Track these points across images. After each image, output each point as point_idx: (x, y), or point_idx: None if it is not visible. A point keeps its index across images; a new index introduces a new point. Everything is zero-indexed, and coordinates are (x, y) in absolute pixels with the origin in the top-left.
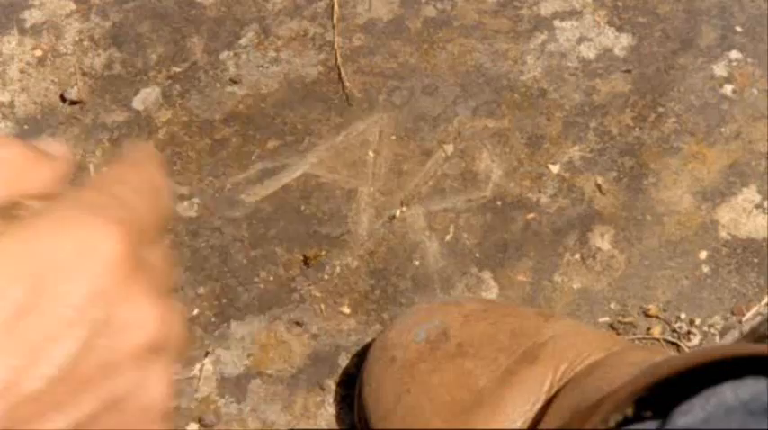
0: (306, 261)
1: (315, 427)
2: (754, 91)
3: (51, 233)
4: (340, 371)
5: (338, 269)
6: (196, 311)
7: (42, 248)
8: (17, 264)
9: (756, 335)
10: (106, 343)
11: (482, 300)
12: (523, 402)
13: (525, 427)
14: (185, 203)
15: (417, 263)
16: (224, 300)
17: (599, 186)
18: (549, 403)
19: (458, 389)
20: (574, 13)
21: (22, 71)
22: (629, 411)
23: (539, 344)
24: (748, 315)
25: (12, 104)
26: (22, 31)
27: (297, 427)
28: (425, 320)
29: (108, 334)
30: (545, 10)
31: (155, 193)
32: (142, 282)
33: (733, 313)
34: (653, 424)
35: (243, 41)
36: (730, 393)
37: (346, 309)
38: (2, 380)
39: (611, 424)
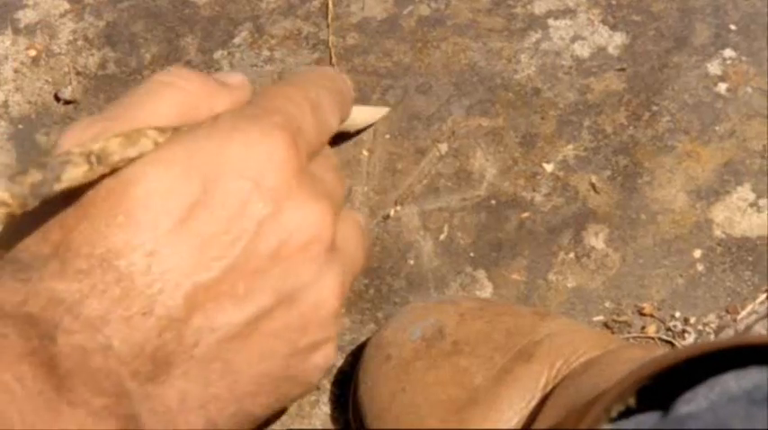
0: None
1: (309, 427)
2: (749, 89)
3: (219, 136)
4: (335, 371)
5: None
6: None
7: (211, 150)
8: (187, 165)
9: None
10: (275, 236)
11: (477, 298)
12: (519, 400)
13: (521, 425)
14: None
15: (412, 262)
16: None
17: (593, 185)
18: (544, 400)
19: (453, 388)
20: (568, 12)
21: (16, 71)
22: (632, 401)
23: (534, 342)
24: (743, 313)
25: (6, 104)
26: (16, 31)
27: (291, 427)
28: (421, 319)
29: (276, 228)
30: (539, 9)
31: (317, 110)
32: (306, 184)
33: (728, 312)
34: (655, 414)
35: (237, 40)
36: (733, 382)
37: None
38: (177, 269)
39: (614, 414)
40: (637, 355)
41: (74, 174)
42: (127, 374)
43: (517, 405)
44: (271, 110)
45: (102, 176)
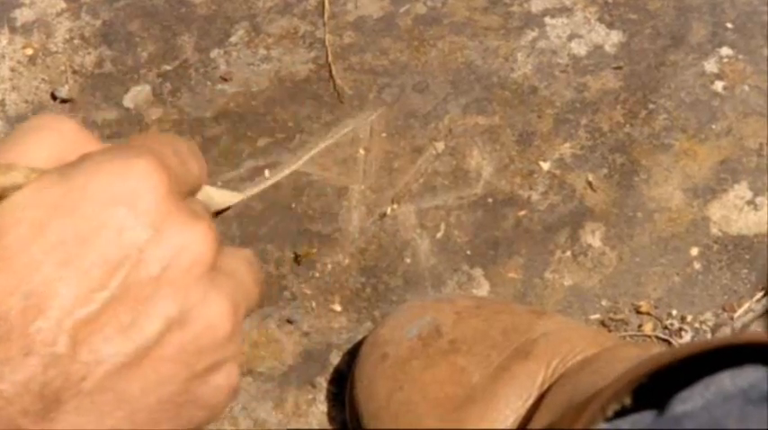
0: (297, 259)
1: (306, 426)
2: (745, 87)
3: (88, 169)
4: (331, 369)
5: (329, 267)
6: None
7: (80, 184)
8: (58, 202)
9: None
10: (157, 261)
11: (474, 297)
12: (516, 398)
13: (518, 423)
14: None
15: (408, 260)
16: None
17: (590, 183)
18: (541, 399)
19: (450, 386)
20: (564, 10)
21: (12, 70)
22: (628, 400)
23: (531, 340)
24: (740, 311)
25: (3, 103)
26: (13, 30)
27: (288, 426)
28: (417, 317)
29: (157, 252)
30: (535, 7)
31: (177, 152)
32: (182, 205)
33: (724, 310)
34: (651, 413)
35: (233, 39)
36: (729, 381)
37: (337, 307)
38: (57, 307)
39: (609, 413)
40: (633, 353)
41: None
42: (17, 413)
43: (514, 403)
44: (138, 146)
45: None
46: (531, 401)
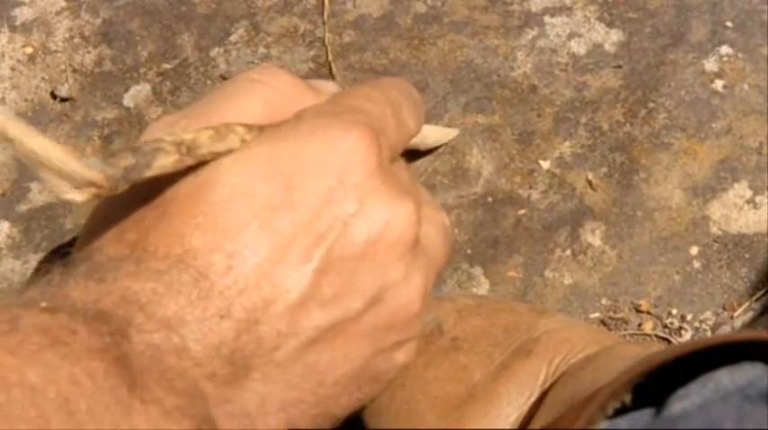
0: None
1: None
2: (745, 86)
3: (301, 136)
4: None
5: None
6: None
7: (293, 150)
8: (268, 165)
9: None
10: (362, 236)
11: (475, 295)
12: (518, 395)
13: (519, 421)
14: None
15: None
16: None
17: (590, 182)
18: (542, 397)
19: (452, 384)
20: (564, 9)
21: (12, 69)
22: (627, 398)
23: (532, 338)
24: (739, 310)
25: (2, 102)
26: (13, 29)
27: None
28: None
29: (362, 227)
30: (535, 6)
31: (397, 112)
32: (390, 182)
33: (724, 309)
34: (649, 411)
35: (233, 38)
36: (727, 378)
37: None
38: (259, 271)
39: (609, 411)
40: (634, 352)
41: (164, 162)
42: (202, 376)
43: (516, 401)
44: (352, 108)
45: (189, 169)
46: (532, 399)
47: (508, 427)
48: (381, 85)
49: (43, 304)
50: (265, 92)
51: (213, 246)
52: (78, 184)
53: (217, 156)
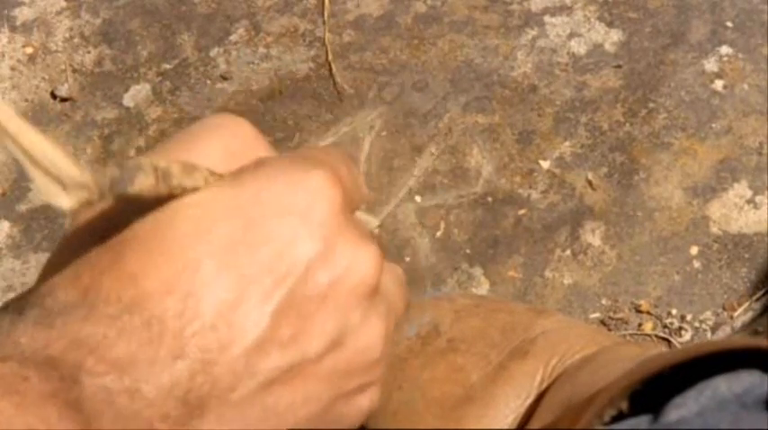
0: None
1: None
2: (745, 86)
3: (264, 176)
4: None
5: None
6: None
7: (255, 190)
8: (230, 205)
9: (748, 331)
10: (325, 277)
11: (473, 295)
12: (515, 397)
13: (517, 423)
14: None
15: (408, 259)
16: None
17: (590, 182)
18: (540, 398)
19: (449, 385)
20: (564, 9)
21: (12, 68)
22: (624, 405)
23: (529, 339)
24: (739, 310)
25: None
26: (13, 29)
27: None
28: (416, 316)
29: (326, 268)
30: (535, 6)
31: (350, 169)
32: (354, 224)
33: (724, 309)
34: (647, 418)
35: (233, 38)
36: (724, 386)
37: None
38: (215, 312)
39: (606, 418)
40: (632, 353)
41: (144, 183)
42: (156, 417)
43: (513, 402)
44: (313, 157)
45: (148, 207)
46: (529, 400)
47: (505, 428)
48: (335, 149)
49: None
50: (227, 138)
51: (168, 288)
52: (68, 187)
53: (184, 191)
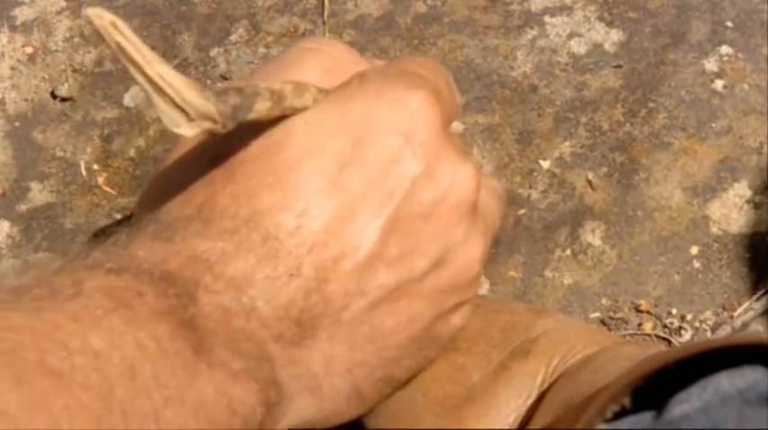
0: None
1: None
2: (745, 86)
3: (367, 95)
4: None
5: None
6: None
7: (360, 109)
8: (336, 125)
9: (748, 331)
10: (428, 195)
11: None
12: (516, 397)
13: (518, 423)
14: None
15: None
16: None
17: (590, 182)
18: (541, 398)
19: (450, 385)
20: (564, 9)
21: (12, 68)
22: (627, 401)
23: (531, 339)
24: (740, 310)
25: (2, 101)
26: (13, 29)
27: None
28: None
29: (429, 186)
30: (535, 6)
31: (449, 82)
32: (453, 143)
33: (724, 309)
34: (649, 415)
35: (233, 38)
36: (727, 382)
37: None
38: (326, 230)
39: (608, 415)
40: (633, 352)
41: (262, 107)
42: (270, 337)
43: (514, 402)
44: (413, 72)
45: (272, 123)
46: (530, 400)
47: (506, 428)
48: (430, 60)
49: (108, 265)
50: (323, 59)
51: (282, 205)
52: (192, 116)
53: (294, 111)
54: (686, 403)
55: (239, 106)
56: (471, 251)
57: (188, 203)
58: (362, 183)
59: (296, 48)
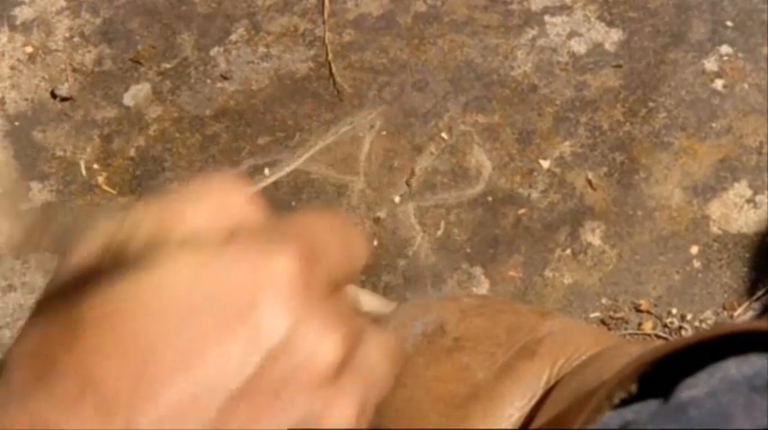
0: None
1: None
2: (745, 86)
3: (230, 255)
4: None
5: None
6: None
7: (214, 273)
8: (191, 283)
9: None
10: (285, 366)
11: (478, 296)
12: (521, 396)
13: (522, 421)
14: None
15: (408, 258)
16: None
17: (590, 182)
18: (545, 397)
19: (454, 383)
20: (564, 8)
21: (12, 68)
22: (633, 387)
23: (536, 339)
24: (739, 310)
25: (2, 101)
26: (13, 28)
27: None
28: (422, 315)
29: (287, 356)
30: (535, 5)
31: (351, 246)
32: (323, 309)
33: (724, 308)
34: (656, 401)
35: (233, 37)
36: (734, 369)
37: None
38: (166, 408)
39: (616, 400)
40: (638, 350)
41: (95, 241)
42: None
43: (519, 402)
44: (288, 234)
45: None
46: (535, 400)
47: (510, 427)
48: (325, 222)
49: None
50: (215, 203)
51: (122, 377)
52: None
53: (144, 255)
54: (694, 388)
55: (61, 232)
56: (336, 415)
57: (31, 365)
58: (222, 345)
59: (202, 182)
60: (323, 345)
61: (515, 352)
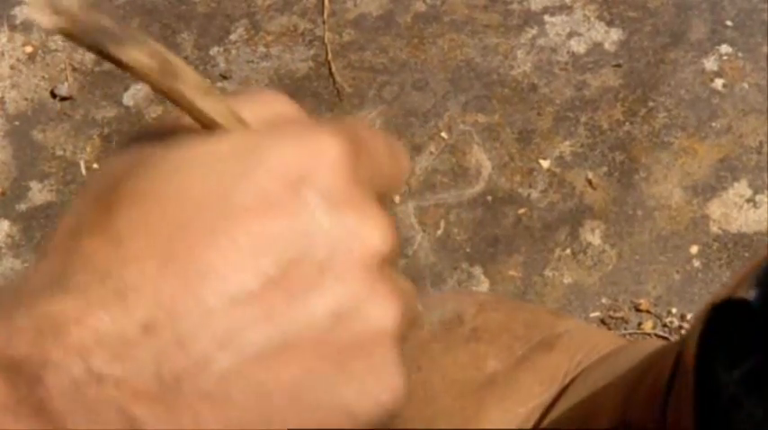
0: None
1: None
2: (745, 85)
3: (268, 140)
4: None
5: None
6: None
7: (257, 153)
8: (233, 164)
9: None
10: (324, 243)
11: (493, 293)
12: (539, 384)
13: (539, 410)
14: None
15: (408, 258)
16: None
17: (590, 181)
18: (563, 391)
19: (471, 370)
20: (564, 8)
21: (12, 67)
22: (752, 293)
23: (555, 334)
24: None
25: (2, 101)
26: (12, 28)
27: None
28: (438, 306)
29: (326, 233)
30: (535, 5)
31: (393, 157)
32: (366, 200)
33: None
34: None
35: (233, 37)
36: None
37: None
38: (197, 281)
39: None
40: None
41: (134, 54)
42: (129, 397)
43: (537, 389)
44: (340, 128)
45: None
46: (553, 390)
47: (525, 413)
48: (375, 131)
49: None
50: (259, 106)
51: (151, 253)
52: (54, 10)
53: (192, 110)
54: None
55: (101, 30)
56: (378, 311)
57: (54, 254)
58: (251, 231)
59: (243, 91)
60: (368, 228)
61: (533, 345)
